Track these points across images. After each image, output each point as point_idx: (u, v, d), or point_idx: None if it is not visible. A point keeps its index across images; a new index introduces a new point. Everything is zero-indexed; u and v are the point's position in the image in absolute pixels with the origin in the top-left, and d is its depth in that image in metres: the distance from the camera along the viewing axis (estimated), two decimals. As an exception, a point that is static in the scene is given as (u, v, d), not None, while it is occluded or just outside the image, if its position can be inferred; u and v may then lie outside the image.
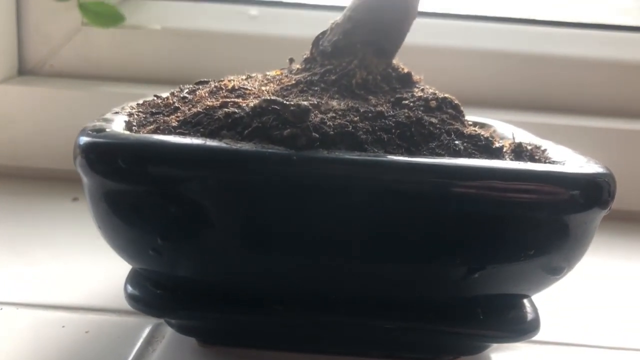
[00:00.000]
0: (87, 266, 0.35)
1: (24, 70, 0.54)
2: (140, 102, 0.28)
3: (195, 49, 0.53)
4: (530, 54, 0.53)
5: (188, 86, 0.29)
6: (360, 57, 0.27)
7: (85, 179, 0.23)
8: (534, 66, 0.53)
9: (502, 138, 0.32)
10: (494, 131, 0.33)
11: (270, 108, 0.23)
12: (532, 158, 0.26)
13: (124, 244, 0.23)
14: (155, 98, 0.28)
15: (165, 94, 0.30)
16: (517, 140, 0.29)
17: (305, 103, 0.23)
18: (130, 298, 0.25)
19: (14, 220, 0.42)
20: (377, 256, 0.23)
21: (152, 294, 0.25)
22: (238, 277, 0.24)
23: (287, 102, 0.22)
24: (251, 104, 0.23)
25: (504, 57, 0.53)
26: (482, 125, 0.34)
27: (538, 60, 0.53)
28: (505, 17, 0.55)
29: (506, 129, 0.33)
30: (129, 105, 0.28)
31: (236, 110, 0.23)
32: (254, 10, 0.54)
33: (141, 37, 0.52)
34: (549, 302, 0.29)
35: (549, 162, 0.26)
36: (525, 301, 0.27)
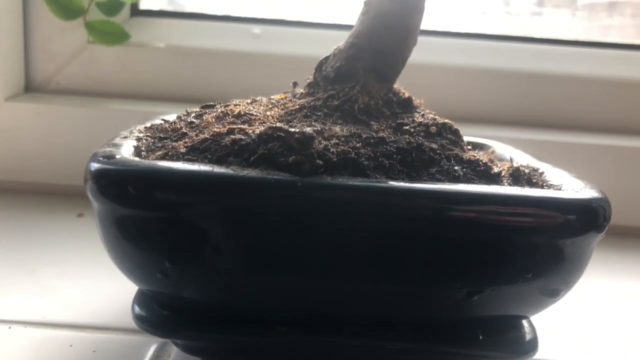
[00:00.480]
0: (93, 284, 0.35)
1: (31, 87, 0.54)
2: (148, 125, 0.29)
3: (199, 67, 0.53)
4: (528, 72, 0.53)
5: (195, 110, 0.30)
6: (362, 82, 0.28)
7: (95, 204, 0.23)
8: (532, 83, 0.53)
9: (500, 159, 0.33)
10: (493, 152, 0.34)
11: (275, 135, 0.23)
12: (529, 182, 0.27)
13: (132, 267, 0.24)
14: (162, 122, 0.29)
15: (172, 117, 0.30)
16: (515, 164, 0.29)
17: (310, 130, 0.23)
18: (138, 319, 0.26)
19: (20, 236, 0.43)
20: (379, 279, 0.23)
21: (158, 314, 0.26)
22: (243, 298, 0.24)
23: (292, 130, 0.23)
24: (257, 131, 0.24)
25: (502, 74, 0.53)
26: (482, 146, 0.35)
27: (536, 78, 0.53)
28: (503, 35, 0.56)
29: (505, 150, 0.34)
30: (137, 128, 0.28)
31: (242, 137, 0.24)
32: (257, 28, 0.54)
33: (146, 54, 0.53)
34: (547, 320, 0.29)
35: (547, 186, 0.27)
36: (524, 321, 0.27)
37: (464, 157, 0.25)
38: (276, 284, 0.23)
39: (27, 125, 0.51)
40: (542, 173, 0.28)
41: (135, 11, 0.56)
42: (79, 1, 0.49)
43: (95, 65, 0.54)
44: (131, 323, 0.26)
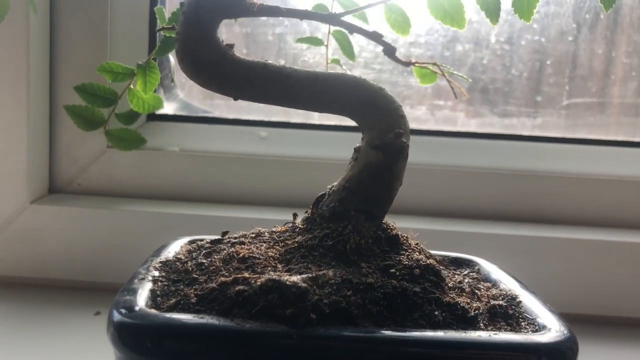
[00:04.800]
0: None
1: (54, 189, 0.59)
2: (163, 259, 0.33)
3: (210, 169, 0.57)
4: (518, 169, 0.57)
5: (205, 244, 0.33)
6: (353, 222, 0.31)
7: (116, 352, 0.26)
8: (521, 180, 0.57)
9: (485, 279, 0.35)
10: (479, 270, 0.37)
11: (274, 287, 0.27)
12: (506, 316, 0.30)
13: (148, 406, 0.27)
14: (175, 260, 0.32)
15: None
16: (495, 292, 0.32)
17: (304, 283, 0.26)
18: None
19: (41, 335, 0.46)
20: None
21: None
22: None
23: (289, 283, 0.26)
24: (259, 282, 0.27)
25: (491, 173, 0.57)
26: (469, 263, 0.38)
27: (524, 174, 0.57)
28: (493, 134, 0.59)
29: (490, 268, 0.37)
30: (152, 264, 0.32)
31: (246, 288, 0.27)
32: (263, 131, 0.59)
33: (160, 158, 0.58)
34: None
35: (522, 318, 0.30)
36: None
37: (444, 300, 0.28)
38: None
39: (50, 225, 0.55)
40: (519, 302, 0.31)
41: (152, 116, 0.60)
42: (99, 113, 0.54)
43: (114, 168, 0.58)
44: None
